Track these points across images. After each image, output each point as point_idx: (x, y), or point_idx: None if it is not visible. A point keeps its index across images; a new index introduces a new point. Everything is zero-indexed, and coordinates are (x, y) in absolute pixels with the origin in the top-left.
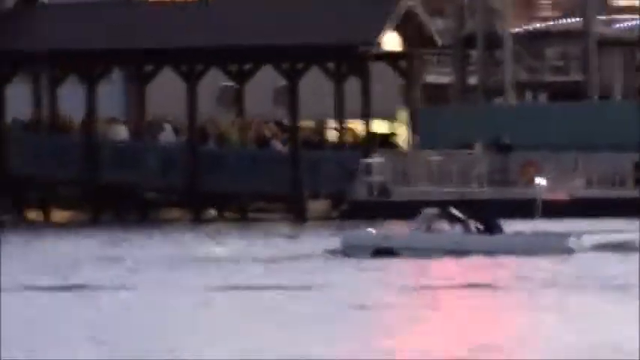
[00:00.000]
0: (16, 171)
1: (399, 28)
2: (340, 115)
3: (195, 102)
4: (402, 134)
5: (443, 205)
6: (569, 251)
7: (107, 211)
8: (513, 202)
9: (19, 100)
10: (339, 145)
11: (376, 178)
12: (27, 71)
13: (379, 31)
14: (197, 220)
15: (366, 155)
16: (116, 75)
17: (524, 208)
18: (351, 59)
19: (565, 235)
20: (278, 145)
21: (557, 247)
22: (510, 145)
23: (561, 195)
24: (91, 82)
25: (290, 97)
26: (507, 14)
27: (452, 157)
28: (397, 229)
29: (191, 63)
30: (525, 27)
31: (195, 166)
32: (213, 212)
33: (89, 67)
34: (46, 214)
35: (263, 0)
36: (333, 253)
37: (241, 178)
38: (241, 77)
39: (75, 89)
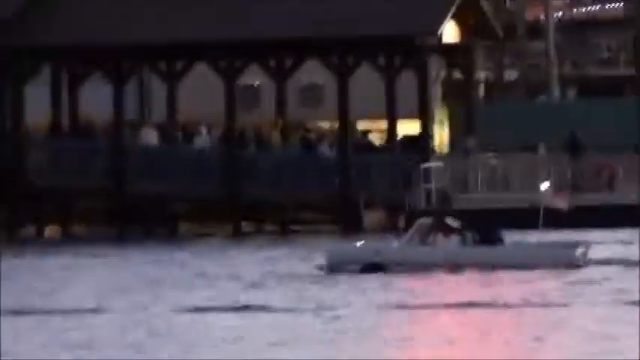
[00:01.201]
0: (36, 180)
1: (456, 17)
2: (392, 115)
3: (234, 101)
4: (437, 135)
5: (504, 214)
6: (576, 264)
7: (134, 225)
8: (590, 209)
9: (38, 100)
10: (388, 148)
11: (435, 185)
12: (46, 69)
13: (440, 20)
14: (236, 234)
15: (423, 159)
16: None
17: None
18: (408, 52)
19: (574, 245)
20: (326, 149)
21: (563, 259)
22: (583, 145)
23: (564, 204)
24: (118, 80)
25: (340, 96)
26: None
27: (514, 159)
28: (388, 243)
29: (229, 58)
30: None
31: (233, 173)
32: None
33: (116, 64)
34: (66, 229)
35: None
36: (320, 269)
37: (284, 186)
38: (281, 74)
39: (96, 89)
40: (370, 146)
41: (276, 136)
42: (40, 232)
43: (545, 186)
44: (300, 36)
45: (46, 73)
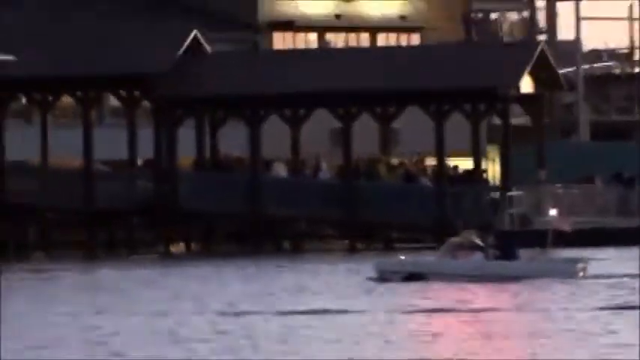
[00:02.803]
0: (185, 206)
1: (531, 71)
2: (477, 153)
3: (350, 141)
4: (489, 170)
5: (561, 234)
6: (577, 276)
7: (266, 243)
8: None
9: (186, 140)
10: (473, 179)
11: (517, 210)
12: (192, 114)
13: (520, 74)
14: (352, 250)
15: (505, 189)
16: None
17: None
18: (492, 100)
19: (574, 262)
20: (424, 181)
21: (567, 272)
22: (633, 178)
23: (567, 226)
24: (253, 123)
25: (437, 137)
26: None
27: (578, 189)
28: (426, 257)
29: (346, 104)
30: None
31: (350, 200)
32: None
33: (252, 110)
34: (208, 246)
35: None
36: (370, 279)
37: (391, 211)
38: (385, 119)
39: (231, 130)
40: (460, 178)
41: (382, 170)
42: (188, 248)
43: (553, 212)
44: (403, 87)
45: (191, 117)
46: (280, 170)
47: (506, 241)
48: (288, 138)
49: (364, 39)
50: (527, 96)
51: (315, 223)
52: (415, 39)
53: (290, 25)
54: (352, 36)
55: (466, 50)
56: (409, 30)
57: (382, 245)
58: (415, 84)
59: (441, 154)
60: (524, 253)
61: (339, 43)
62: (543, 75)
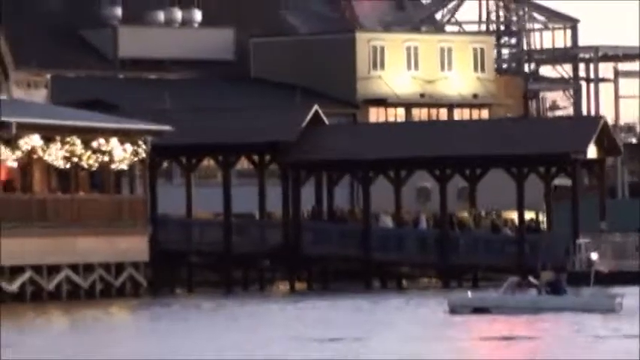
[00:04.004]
0: (307, 251)
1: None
2: (549, 208)
3: (446, 199)
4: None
5: (630, 275)
6: (618, 310)
7: (374, 281)
8: None
9: (306, 196)
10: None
11: (586, 254)
12: (313, 175)
13: (588, 141)
14: (446, 287)
15: (576, 236)
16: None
17: None
18: (564, 165)
19: (614, 297)
20: (507, 231)
21: (608, 306)
22: None
23: (605, 267)
24: (365, 183)
25: (518, 195)
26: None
27: (631, 237)
28: (490, 293)
29: (440, 168)
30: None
31: (443, 247)
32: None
33: (363, 171)
34: (326, 285)
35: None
36: (445, 312)
37: (478, 255)
38: (474, 179)
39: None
40: (536, 228)
41: (469, 221)
42: (309, 287)
43: (594, 256)
44: (489, 153)
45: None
46: (387, 221)
47: (555, 279)
48: (391, 194)
49: (443, 114)
50: (592, 160)
51: (415, 266)
52: (485, 114)
53: (383, 102)
54: (433, 111)
55: (532, 123)
56: (480, 106)
57: (471, 284)
58: (497, 151)
59: (521, 209)
60: (571, 290)
61: (423, 117)
62: (605, 143)
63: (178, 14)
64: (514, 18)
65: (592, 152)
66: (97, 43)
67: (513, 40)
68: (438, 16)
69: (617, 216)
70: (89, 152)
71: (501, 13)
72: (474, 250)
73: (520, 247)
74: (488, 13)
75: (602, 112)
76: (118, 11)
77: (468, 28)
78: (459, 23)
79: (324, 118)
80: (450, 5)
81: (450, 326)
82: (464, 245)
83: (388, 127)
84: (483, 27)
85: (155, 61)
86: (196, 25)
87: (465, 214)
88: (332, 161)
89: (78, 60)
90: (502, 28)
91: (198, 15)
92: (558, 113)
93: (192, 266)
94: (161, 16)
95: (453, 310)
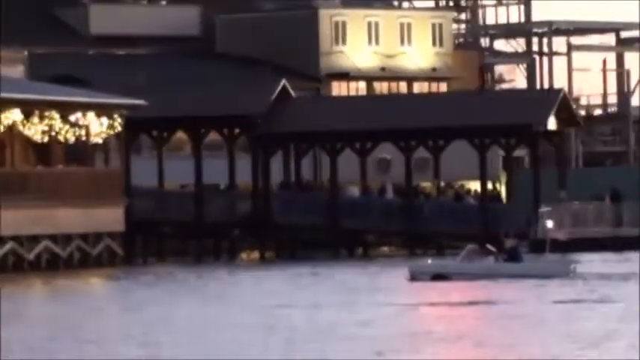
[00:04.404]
0: (277, 219)
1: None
2: (510, 178)
3: (410, 171)
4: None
5: (587, 242)
6: (572, 276)
7: (341, 249)
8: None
9: (275, 167)
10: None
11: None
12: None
13: (548, 113)
14: (412, 255)
15: (536, 206)
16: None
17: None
18: (525, 136)
19: (569, 263)
20: (470, 200)
21: (564, 272)
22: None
23: (561, 235)
24: (332, 154)
25: (481, 165)
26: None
27: (590, 205)
28: (449, 260)
29: (406, 140)
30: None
31: (409, 215)
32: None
33: (331, 143)
34: (294, 253)
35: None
36: (406, 278)
37: (443, 223)
38: (436, 150)
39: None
40: (497, 197)
41: (433, 191)
42: (279, 255)
43: (550, 224)
44: (450, 125)
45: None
46: (354, 192)
47: (512, 247)
48: (353, 166)
49: (403, 87)
50: (552, 132)
51: (381, 234)
52: (443, 87)
53: (346, 76)
54: (394, 85)
55: (491, 95)
56: (439, 80)
57: (435, 252)
58: (459, 122)
59: (484, 179)
60: (529, 257)
61: (384, 90)
62: (564, 115)
63: None
64: None
65: (552, 124)
66: (69, 21)
67: (463, 16)
68: None
69: (572, 185)
70: (67, 126)
71: None
72: (438, 219)
73: (483, 216)
74: None
75: (555, 85)
76: None
77: (419, 4)
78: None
79: (292, 92)
80: None
81: (406, 292)
82: (429, 213)
83: (354, 101)
84: (433, 4)
85: (125, 37)
86: (164, 2)
87: (428, 185)
88: (300, 133)
89: (52, 37)
90: (451, 4)
91: None
92: (504, 86)
93: (163, 236)
94: None
95: (413, 277)
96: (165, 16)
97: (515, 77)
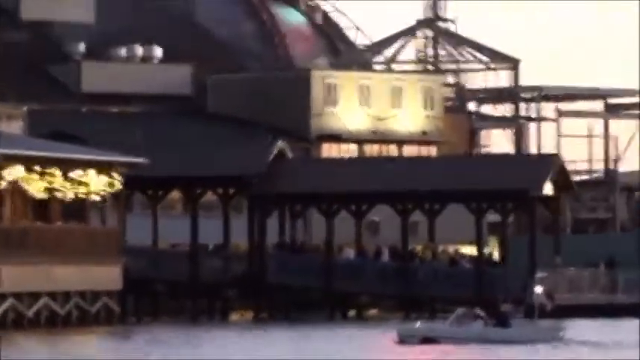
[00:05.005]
0: (271, 280)
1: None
2: (505, 243)
3: (407, 231)
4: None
5: (580, 309)
6: (562, 341)
7: (336, 311)
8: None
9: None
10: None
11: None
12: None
13: (544, 180)
14: (407, 318)
15: (532, 272)
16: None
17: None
18: (522, 201)
19: (557, 329)
20: (466, 264)
21: (552, 338)
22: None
23: (549, 303)
24: (328, 216)
25: (477, 230)
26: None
27: (585, 272)
28: (438, 324)
29: (403, 202)
30: None
31: (404, 278)
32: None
33: (327, 205)
34: (288, 315)
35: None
36: (394, 341)
37: (438, 287)
38: (432, 215)
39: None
40: (494, 262)
41: (429, 254)
42: (271, 316)
43: (538, 289)
44: (447, 189)
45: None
46: (350, 254)
47: (501, 312)
48: (343, 227)
49: (393, 149)
50: (548, 197)
51: (375, 297)
52: (433, 151)
53: (338, 137)
54: (384, 147)
55: (485, 160)
56: (429, 143)
57: (429, 315)
58: (454, 186)
59: (480, 243)
60: (518, 322)
61: (374, 152)
62: (560, 180)
63: (139, 50)
64: (445, 55)
65: (548, 189)
66: (62, 78)
67: (450, 79)
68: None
69: (566, 251)
70: (67, 183)
71: (434, 52)
72: (433, 282)
73: (479, 280)
74: (417, 52)
75: (543, 150)
76: (82, 47)
77: (405, 68)
78: (394, 63)
79: (288, 153)
80: (387, 53)
81: (391, 353)
82: (423, 277)
83: (350, 162)
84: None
85: (116, 95)
86: (156, 61)
87: (421, 248)
88: (297, 194)
89: (46, 94)
90: (434, 68)
91: (158, 51)
92: (483, 151)
93: (158, 295)
94: (123, 51)
95: (402, 340)
96: (157, 74)
97: (490, 142)
